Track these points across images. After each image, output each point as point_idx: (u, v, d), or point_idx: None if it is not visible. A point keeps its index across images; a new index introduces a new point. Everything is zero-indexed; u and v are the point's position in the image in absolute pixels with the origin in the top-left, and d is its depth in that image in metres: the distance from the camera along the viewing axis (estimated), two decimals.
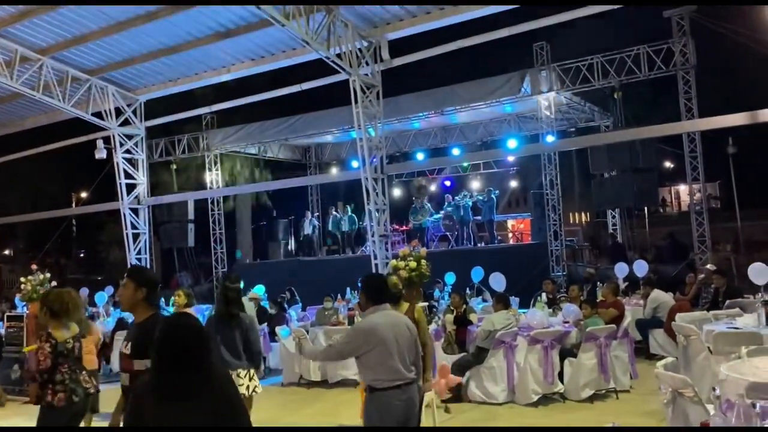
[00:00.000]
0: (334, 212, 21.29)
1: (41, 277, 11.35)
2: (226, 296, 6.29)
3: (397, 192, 22.72)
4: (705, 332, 7.57)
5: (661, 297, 11.32)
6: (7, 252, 37.68)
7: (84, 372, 5.44)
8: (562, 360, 8.57)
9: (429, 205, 20.02)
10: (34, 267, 12.11)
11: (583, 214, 34.68)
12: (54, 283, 11.50)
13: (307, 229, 21.83)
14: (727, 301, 10.40)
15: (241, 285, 6.99)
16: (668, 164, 30.81)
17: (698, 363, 7.54)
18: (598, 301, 10.13)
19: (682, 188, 35.59)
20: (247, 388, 5.98)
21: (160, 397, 3.10)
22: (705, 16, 15.27)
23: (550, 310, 10.41)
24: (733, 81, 23.03)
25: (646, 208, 20.42)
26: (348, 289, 14.43)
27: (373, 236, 13.41)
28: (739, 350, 6.01)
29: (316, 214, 23.25)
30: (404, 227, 19.86)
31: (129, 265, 17.19)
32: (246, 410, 3.43)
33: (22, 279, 11.55)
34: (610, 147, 15.85)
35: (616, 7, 11.80)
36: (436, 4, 12.02)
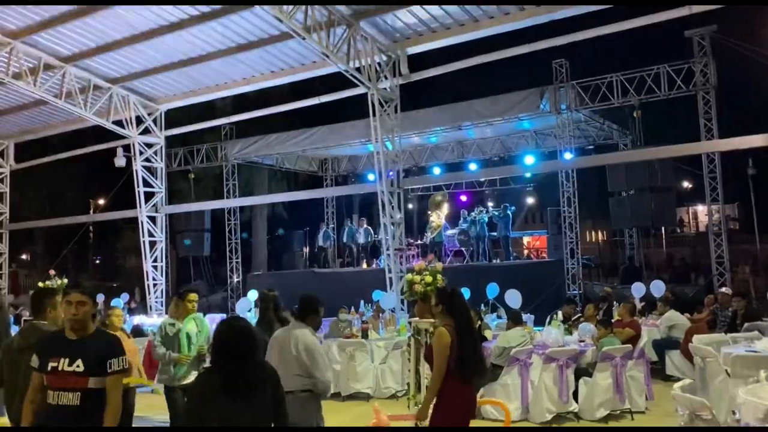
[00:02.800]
0: (349, 225, 21.31)
1: (59, 282, 11.45)
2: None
3: (412, 206, 22.70)
4: (723, 355, 7.47)
5: (676, 317, 11.21)
6: (24, 257, 37.99)
7: None
8: (577, 379, 8.49)
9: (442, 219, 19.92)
10: (52, 272, 12.21)
11: (599, 232, 34.48)
12: None
13: (322, 241, 21.88)
14: (746, 324, 10.27)
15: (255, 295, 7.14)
16: (687, 184, 30.60)
17: (715, 386, 7.45)
18: (614, 320, 10.04)
19: (701, 209, 35.29)
20: None
21: (227, 390, 3.46)
22: (726, 36, 15.21)
23: (566, 327, 10.32)
24: (754, 102, 22.84)
25: (663, 228, 20.23)
26: (362, 301, 14.41)
27: (388, 250, 13.40)
28: (758, 374, 5.94)
29: (331, 226, 23.30)
30: (418, 242, 19.81)
31: (147, 274, 17.30)
32: (287, 412, 3.76)
33: (40, 284, 11.66)
34: (629, 165, 15.79)
35: (636, 26, 11.76)
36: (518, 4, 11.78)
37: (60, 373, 3.87)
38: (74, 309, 3.96)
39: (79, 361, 3.87)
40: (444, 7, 11.79)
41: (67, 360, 3.87)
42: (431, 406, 4.84)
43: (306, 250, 23.56)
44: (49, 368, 3.88)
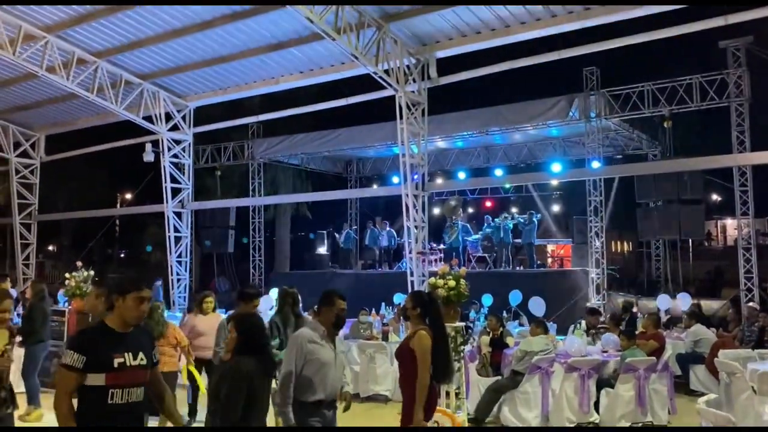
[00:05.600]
0: (372, 227, 21.30)
1: (85, 273, 11.58)
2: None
3: (436, 210, 22.65)
4: (749, 371, 7.34)
5: (702, 332, 11.03)
6: (51, 248, 38.52)
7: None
8: (598, 390, 8.39)
9: (461, 224, 19.77)
10: (79, 264, 12.35)
11: (625, 242, 34.10)
12: (98, 281, 11.72)
13: (345, 242, 21.90)
14: None
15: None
16: (716, 197, 30.20)
17: (741, 402, 7.31)
18: (638, 332, 9.91)
19: (729, 222, 34.82)
20: None
21: (268, 372, 4.19)
22: (762, 47, 14.96)
23: (589, 338, 10.22)
24: None
25: (690, 241, 19.91)
26: (383, 304, 14.39)
27: (410, 253, 13.37)
28: None
29: (354, 227, 23.31)
30: (441, 246, 19.74)
31: (171, 269, 17.44)
32: None
33: (67, 275, 11.80)
34: (657, 176, 15.60)
35: (670, 35, 11.63)
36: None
37: (128, 368, 3.68)
38: (145, 305, 3.87)
39: (141, 354, 3.77)
40: (475, 11, 11.75)
41: (130, 354, 3.71)
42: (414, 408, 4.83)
43: (329, 251, 23.61)
44: (115, 365, 3.63)
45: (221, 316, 8.68)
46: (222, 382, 4.04)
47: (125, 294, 3.77)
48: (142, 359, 3.76)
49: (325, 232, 23.88)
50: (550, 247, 21.98)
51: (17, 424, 6.09)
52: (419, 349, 4.84)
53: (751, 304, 13.28)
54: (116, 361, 3.63)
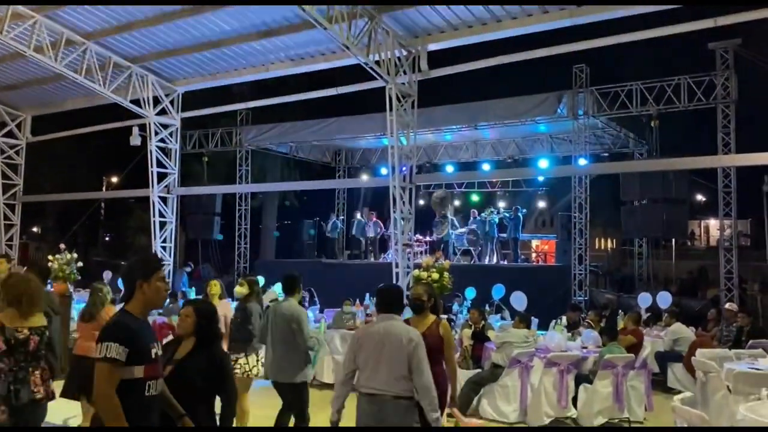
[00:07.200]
0: (359, 217, 21.32)
1: (68, 256, 11.52)
2: None
3: (422, 203, 22.66)
4: (725, 370, 7.44)
5: (682, 331, 11.16)
6: (35, 229, 38.25)
7: (37, 372, 4.52)
8: (577, 385, 8.48)
9: (453, 219, 19.84)
10: (62, 246, 12.29)
11: (609, 240, 34.42)
12: (80, 264, 11.67)
13: (331, 232, 21.90)
14: (751, 341, 10.22)
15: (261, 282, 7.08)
16: (700, 197, 30.51)
17: (716, 401, 7.41)
18: (618, 329, 10.01)
19: (713, 223, 35.20)
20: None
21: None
22: (750, 50, 15.09)
23: (569, 334, 10.31)
24: None
25: (674, 240, 20.11)
26: (367, 294, 14.41)
27: (396, 244, 13.41)
28: (760, 392, 5.92)
29: (341, 217, 23.32)
30: (427, 238, 19.80)
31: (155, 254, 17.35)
32: None
33: (50, 257, 11.74)
34: (643, 175, 15.71)
35: (659, 35, 11.70)
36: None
37: (156, 358, 3.51)
38: (167, 285, 3.66)
39: (158, 343, 3.60)
40: (468, 5, 11.75)
41: (155, 344, 3.52)
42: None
43: (315, 240, 23.60)
44: (152, 355, 3.45)
45: (229, 303, 8.57)
46: (220, 370, 4.06)
47: (149, 276, 3.49)
48: (159, 348, 3.59)
49: (312, 221, 23.87)
50: (534, 243, 22.11)
51: None
52: (449, 336, 5.29)
53: (728, 305, 13.44)
54: (153, 352, 3.46)
